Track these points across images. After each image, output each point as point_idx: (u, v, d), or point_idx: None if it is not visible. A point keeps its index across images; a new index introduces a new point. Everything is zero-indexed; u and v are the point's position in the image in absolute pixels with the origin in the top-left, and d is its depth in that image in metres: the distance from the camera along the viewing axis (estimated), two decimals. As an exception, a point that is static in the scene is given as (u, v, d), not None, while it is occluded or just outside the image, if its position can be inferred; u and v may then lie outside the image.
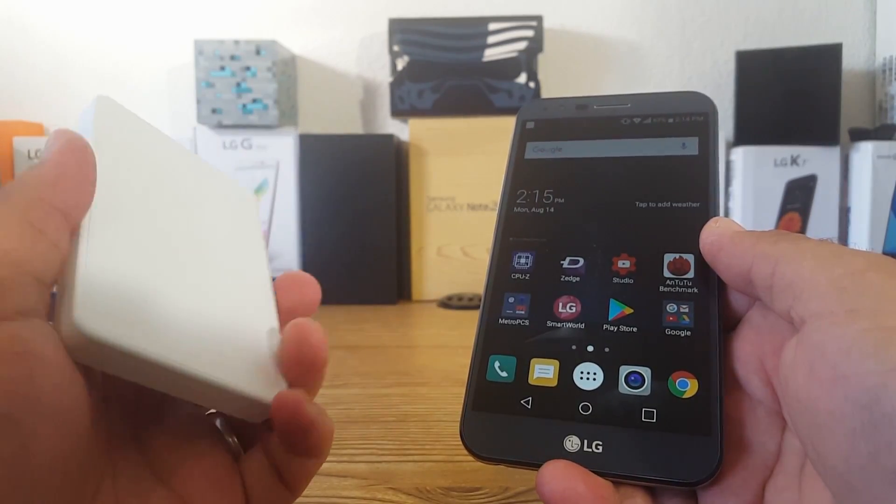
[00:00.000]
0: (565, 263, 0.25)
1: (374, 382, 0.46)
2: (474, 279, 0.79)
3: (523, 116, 0.30)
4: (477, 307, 0.26)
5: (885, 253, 0.78)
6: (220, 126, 0.81)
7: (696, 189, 0.25)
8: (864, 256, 0.18)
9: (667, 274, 0.24)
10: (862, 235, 0.78)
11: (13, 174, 0.81)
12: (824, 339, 0.17)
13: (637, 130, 0.28)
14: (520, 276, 0.26)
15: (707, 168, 0.26)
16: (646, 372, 0.22)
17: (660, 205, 0.26)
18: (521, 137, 0.29)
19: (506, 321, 0.25)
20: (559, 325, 0.24)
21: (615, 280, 0.24)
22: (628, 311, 0.24)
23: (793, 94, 0.78)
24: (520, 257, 0.26)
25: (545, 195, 0.27)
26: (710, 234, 0.23)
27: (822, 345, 0.17)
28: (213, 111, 0.80)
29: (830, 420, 0.16)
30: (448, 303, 0.75)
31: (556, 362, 0.23)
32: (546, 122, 0.29)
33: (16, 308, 0.15)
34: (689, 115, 0.27)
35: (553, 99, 0.30)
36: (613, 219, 0.26)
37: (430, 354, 0.55)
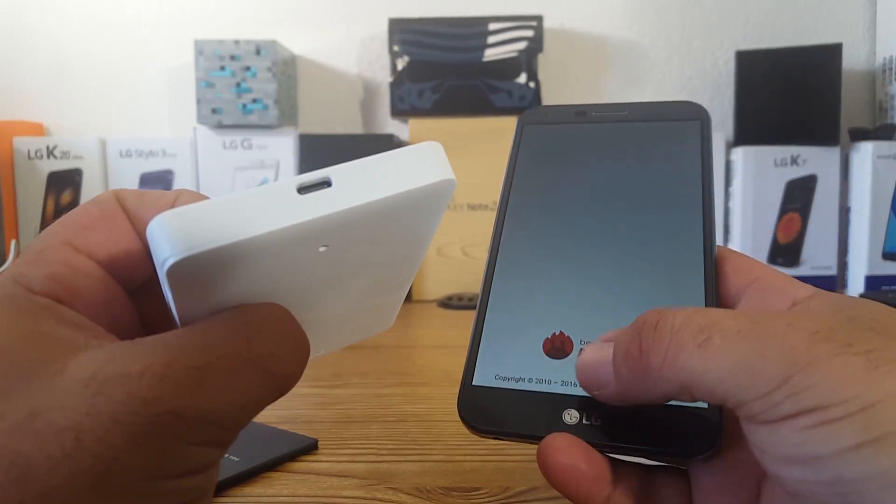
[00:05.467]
0: (560, 256, 0.26)
1: (374, 382, 0.46)
2: (474, 279, 0.79)
3: (523, 122, 0.31)
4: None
5: (884, 254, 0.78)
6: (220, 126, 0.81)
7: (692, 195, 0.26)
8: (773, 352, 0.16)
9: (664, 274, 0.24)
10: (862, 235, 0.78)
11: (13, 174, 0.81)
12: (763, 444, 0.17)
13: (634, 137, 0.29)
14: (518, 264, 0.26)
15: (702, 175, 0.27)
16: None
17: (656, 210, 0.26)
18: (521, 143, 0.30)
19: (507, 299, 0.25)
20: (559, 304, 0.25)
21: (613, 280, 0.25)
22: (626, 303, 0.24)
23: (793, 94, 0.78)
24: (517, 250, 0.27)
25: (544, 200, 0.28)
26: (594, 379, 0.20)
27: (761, 446, 0.17)
28: (213, 111, 0.80)
29: (800, 495, 0.17)
30: (448, 303, 0.75)
31: (557, 337, 0.24)
32: (545, 128, 0.30)
33: (203, 466, 0.16)
34: (684, 122, 0.28)
35: (552, 106, 0.32)
36: (610, 223, 0.26)
37: (430, 354, 0.55)
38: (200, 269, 0.16)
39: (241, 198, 0.16)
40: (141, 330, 0.20)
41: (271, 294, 0.18)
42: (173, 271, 0.15)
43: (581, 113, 0.30)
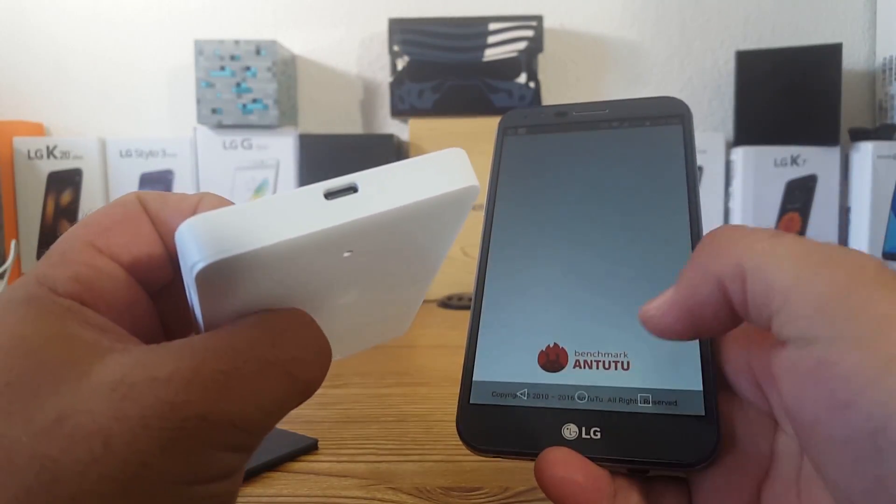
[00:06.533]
0: (551, 265, 0.26)
1: (374, 382, 0.46)
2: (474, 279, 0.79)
3: (504, 125, 0.30)
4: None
5: (884, 253, 0.78)
6: (220, 126, 0.81)
7: (676, 191, 0.26)
8: (844, 266, 0.17)
9: (652, 269, 0.24)
10: (862, 235, 0.78)
11: (13, 174, 0.81)
12: (817, 367, 0.16)
13: (615, 136, 0.28)
14: (509, 274, 0.26)
15: (685, 171, 0.26)
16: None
17: (640, 208, 0.26)
18: (503, 146, 0.30)
19: (499, 311, 0.25)
20: (552, 315, 0.24)
21: (604, 288, 0.25)
22: (618, 311, 0.24)
23: (793, 95, 0.78)
24: (506, 255, 0.27)
25: (528, 202, 0.28)
26: (658, 309, 0.20)
27: (816, 372, 0.16)
28: (213, 111, 0.80)
29: (835, 444, 0.16)
30: (448, 303, 0.75)
31: (552, 349, 0.23)
32: (527, 129, 0.30)
33: (228, 471, 0.16)
34: (665, 118, 0.28)
35: (533, 108, 0.32)
36: (596, 222, 0.26)
37: (430, 354, 0.55)
38: (228, 273, 0.16)
39: (270, 203, 0.16)
40: (160, 331, 0.20)
41: (294, 298, 0.18)
42: (202, 276, 0.15)
43: (562, 113, 0.30)
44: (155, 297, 0.20)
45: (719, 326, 0.19)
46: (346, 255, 0.18)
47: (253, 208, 0.15)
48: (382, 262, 0.20)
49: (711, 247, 0.19)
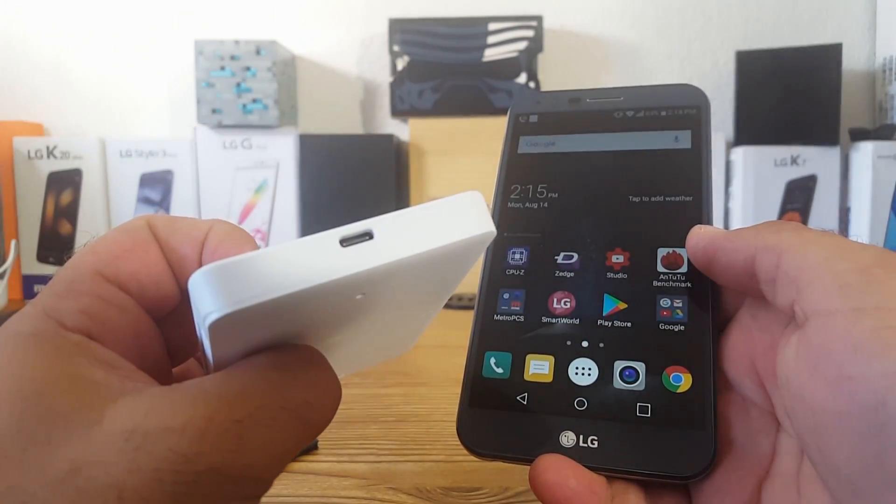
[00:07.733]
0: (559, 259, 0.25)
1: (374, 382, 0.46)
2: (475, 279, 0.79)
3: (516, 110, 0.29)
4: (476, 307, 0.26)
5: (885, 253, 0.78)
6: (220, 126, 0.81)
7: (690, 183, 0.25)
8: (869, 251, 0.18)
9: (660, 269, 0.24)
10: (862, 235, 0.78)
11: (13, 174, 0.81)
12: (829, 339, 0.17)
13: (630, 124, 0.28)
14: (514, 271, 0.26)
15: (700, 161, 0.26)
16: (640, 367, 0.22)
17: (653, 199, 0.26)
18: (514, 131, 0.29)
19: (501, 317, 0.25)
20: (554, 320, 0.24)
21: (609, 275, 0.24)
22: (622, 306, 0.24)
23: (793, 94, 0.78)
24: (514, 253, 0.26)
25: (539, 190, 0.27)
26: (702, 238, 0.22)
27: (827, 344, 0.17)
28: (213, 111, 0.80)
29: (836, 421, 0.16)
30: (448, 303, 0.75)
31: (551, 358, 0.23)
32: (539, 115, 0.29)
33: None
34: (682, 108, 0.27)
35: (546, 92, 0.30)
36: (607, 213, 0.26)
37: (430, 354, 0.55)
38: (241, 321, 0.16)
39: (285, 251, 0.16)
40: (166, 356, 0.20)
41: (303, 334, 0.18)
42: (215, 325, 0.15)
43: (575, 100, 0.29)
44: (160, 322, 0.20)
45: (725, 280, 0.22)
46: (358, 297, 0.18)
47: (268, 257, 0.15)
48: (395, 301, 0.20)
49: (763, 225, 0.21)
